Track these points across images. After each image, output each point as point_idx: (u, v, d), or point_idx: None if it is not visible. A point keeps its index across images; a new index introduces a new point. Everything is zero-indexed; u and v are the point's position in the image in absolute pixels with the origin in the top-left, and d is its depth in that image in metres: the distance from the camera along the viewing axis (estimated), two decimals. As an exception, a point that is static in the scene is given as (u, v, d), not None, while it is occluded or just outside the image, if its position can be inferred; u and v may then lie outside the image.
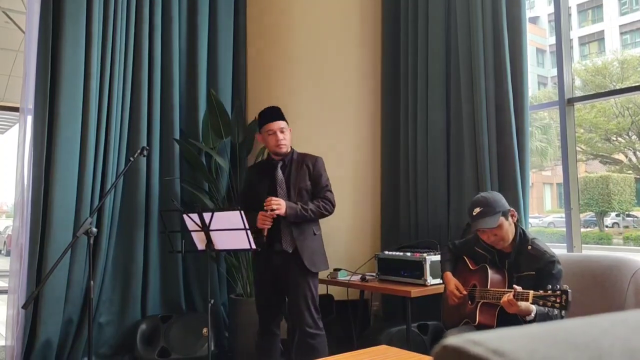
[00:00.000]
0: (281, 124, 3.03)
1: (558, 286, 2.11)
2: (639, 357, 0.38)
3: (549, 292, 2.08)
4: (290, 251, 2.94)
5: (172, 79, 3.99)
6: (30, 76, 3.47)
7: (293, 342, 3.41)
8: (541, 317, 2.21)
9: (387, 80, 4.29)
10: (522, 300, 2.14)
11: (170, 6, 4.02)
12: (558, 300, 2.04)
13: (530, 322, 2.22)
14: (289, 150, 3.07)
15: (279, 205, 2.86)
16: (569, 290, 2.04)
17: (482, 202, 2.41)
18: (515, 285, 2.22)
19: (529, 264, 2.34)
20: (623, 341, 0.39)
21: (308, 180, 3.02)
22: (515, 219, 2.46)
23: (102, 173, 3.65)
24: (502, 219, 2.36)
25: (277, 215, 2.87)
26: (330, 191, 3.07)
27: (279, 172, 3.05)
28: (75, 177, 3.51)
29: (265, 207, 2.88)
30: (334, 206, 3.04)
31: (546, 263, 2.30)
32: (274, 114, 3.07)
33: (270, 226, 2.90)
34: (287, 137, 3.04)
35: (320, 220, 3.10)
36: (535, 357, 0.37)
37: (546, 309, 2.20)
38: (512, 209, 2.45)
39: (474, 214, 2.40)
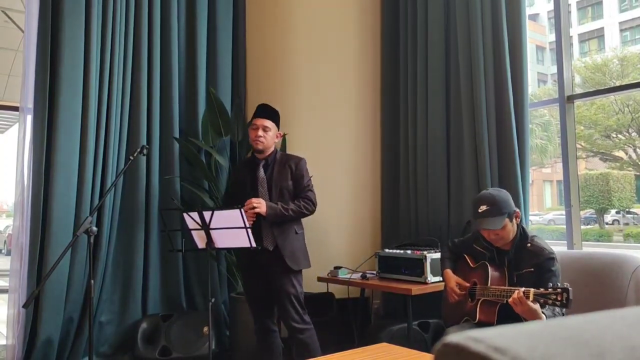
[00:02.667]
0: (265, 122, 3.07)
1: (559, 284, 2.10)
2: (638, 354, 0.38)
3: (550, 289, 2.07)
4: (271, 249, 2.99)
5: (171, 78, 3.99)
6: (29, 75, 3.47)
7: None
8: None
9: (387, 79, 4.29)
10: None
11: (169, 5, 4.01)
12: (559, 298, 2.03)
13: None
14: (266, 149, 3.09)
15: (259, 204, 2.91)
16: (569, 288, 2.02)
17: (489, 200, 2.34)
18: (518, 288, 2.19)
19: (528, 261, 2.33)
20: (623, 338, 0.39)
21: (290, 180, 3.06)
22: (519, 220, 2.42)
23: (102, 172, 3.65)
24: (506, 220, 2.32)
25: (258, 214, 2.92)
26: (312, 191, 3.10)
27: (261, 171, 3.09)
28: (75, 176, 3.51)
29: (244, 208, 2.91)
30: (315, 205, 3.08)
31: (545, 259, 2.29)
32: (263, 110, 3.13)
33: (252, 222, 2.93)
34: (267, 136, 3.06)
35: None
36: (535, 354, 0.37)
37: (554, 315, 2.19)
38: (517, 210, 2.41)
39: (479, 211, 2.34)
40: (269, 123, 3.08)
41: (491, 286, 2.35)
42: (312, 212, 3.07)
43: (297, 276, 3.04)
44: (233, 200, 3.12)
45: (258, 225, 2.98)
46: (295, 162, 3.11)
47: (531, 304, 2.09)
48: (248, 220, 2.92)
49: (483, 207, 2.33)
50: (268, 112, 3.13)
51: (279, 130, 3.16)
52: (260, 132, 3.05)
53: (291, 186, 3.07)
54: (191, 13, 4.15)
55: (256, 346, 3.19)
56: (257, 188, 3.06)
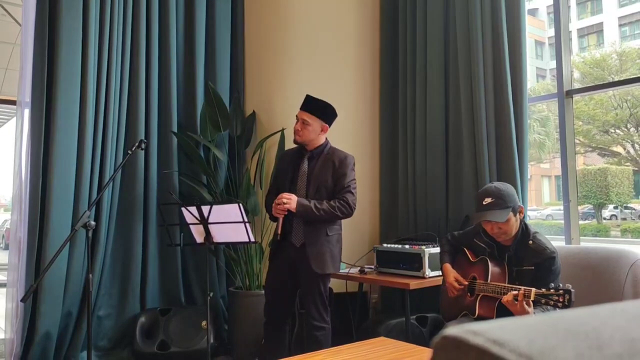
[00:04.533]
0: (305, 115, 2.96)
1: (561, 285, 2.09)
2: (638, 346, 0.38)
3: (552, 290, 2.06)
4: (298, 245, 2.92)
5: (169, 72, 3.98)
6: (27, 69, 3.45)
7: (292, 332, 3.42)
8: None
9: (386, 74, 4.29)
10: (525, 297, 2.12)
11: (168, -2, 4.00)
12: (561, 300, 2.01)
13: None
14: (306, 142, 2.99)
15: (289, 200, 2.83)
16: (572, 290, 2.01)
17: (495, 193, 2.33)
18: (516, 286, 2.19)
19: (529, 259, 2.32)
20: (622, 331, 0.39)
21: (330, 177, 2.94)
22: (522, 215, 2.41)
23: (100, 166, 3.64)
24: (510, 214, 2.31)
25: (288, 210, 2.84)
26: (351, 192, 2.92)
27: (305, 163, 3.00)
28: (73, 170, 3.50)
29: (276, 201, 2.87)
30: (352, 208, 2.92)
31: (546, 259, 2.27)
32: (307, 102, 3.01)
33: (282, 215, 2.87)
34: (306, 129, 2.95)
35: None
36: (534, 347, 0.37)
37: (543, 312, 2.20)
38: (521, 205, 2.40)
39: (484, 203, 2.32)
40: (308, 117, 2.96)
41: (492, 282, 2.35)
42: (347, 215, 2.91)
43: (324, 277, 2.94)
44: (277, 190, 3.02)
45: (290, 218, 2.91)
46: (339, 158, 2.96)
47: (526, 306, 2.10)
48: (279, 215, 2.88)
49: (488, 200, 2.32)
50: (311, 105, 2.99)
51: (327, 123, 3.02)
52: (299, 126, 2.96)
53: (331, 184, 2.93)
54: (190, 7, 4.13)
55: (264, 341, 3.13)
56: (297, 181, 2.98)
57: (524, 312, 2.12)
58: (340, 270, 3.58)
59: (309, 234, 2.91)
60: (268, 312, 3.05)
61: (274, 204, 2.90)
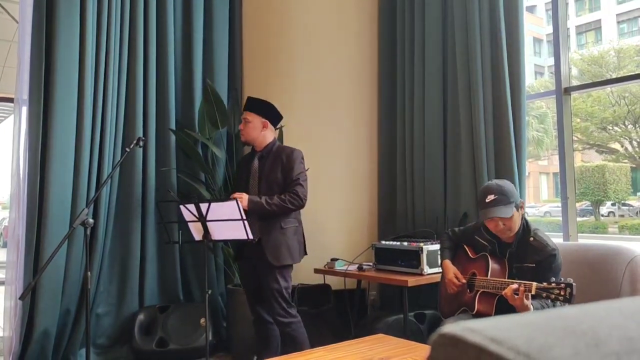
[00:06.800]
0: (245, 114, 3.10)
1: (562, 279, 2.10)
2: (635, 344, 0.38)
3: (553, 284, 2.06)
4: (255, 241, 2.97)
5: (167, 69, 3.97)
6: (24, 67, 3.44)
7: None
8: None
9: (384, 71, 4.28)
10: (525, 291, 2.13)
11: (165, -5, 3.98)
12: (562, 293, 2.02)
13: None
14: (251, 141, 3.09)
15: (240, 198, 2.89)
16: (573, 284, 2.02)
17: (497, 190, 2.34)
18: (517, 281, 2.20)
19: (530, 256, 2.32)
20: (619, 329, 0.39)
21: (280, 173, 3.01)
22: (524, 211, 2.43)
23: (98, 164, 3.64)
24: (514, 210, 2.32)
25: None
26: (301, 184, 2.99)
27: (255, 163, 3.09)
28: (71, 167, 3.50)
29: None
30: (302, 200, 2.98)
31: (547, 256, 2.27)
32: (247, 102, 3.14)
33: None
34: (247, 126, 3.07)
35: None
36: (532, 345, 0.37)
37: (543, 308, 2.20)
38: (522, 200, 2.42)
39: (487, 200, 2.32)
40: (248, 115, 3.08)
41: (491, 277, 2.35)
42: (298, 207, 2.99)
43: (283, 271, 2.99)
44: (237, 192, 3.10)
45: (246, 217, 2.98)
46: (287, 154, 3.03)
47: (526, 300, 2.11)
48: None
49: (491, 197, 2.32)
50: (249, 103, 3.12)
51: (267, 119, 3.09)
52: (241, 125, 3.10)
53: (281, 179, 3.00)
54: (187, 3, 4.12)
55: (254, 337, 3.20)
56: (249, 180, 3.08)
57: (524, 306, 2.13)
58: (339, 267, 3.59)
59: (264, 228, 2.98)
60: (252, 309, 3.14)
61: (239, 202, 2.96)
